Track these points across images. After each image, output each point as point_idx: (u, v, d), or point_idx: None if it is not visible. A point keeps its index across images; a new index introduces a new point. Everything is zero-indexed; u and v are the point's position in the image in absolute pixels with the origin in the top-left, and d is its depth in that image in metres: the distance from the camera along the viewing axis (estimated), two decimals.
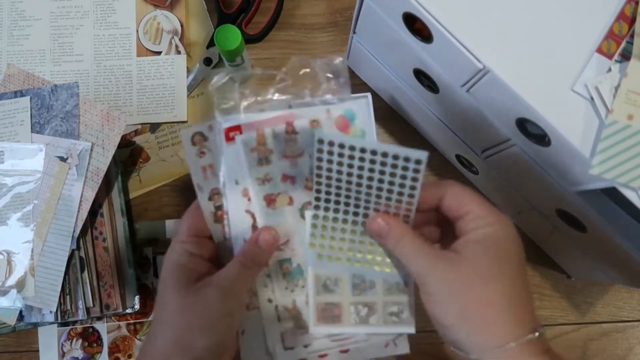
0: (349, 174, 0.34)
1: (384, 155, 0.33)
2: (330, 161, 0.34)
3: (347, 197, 0.36)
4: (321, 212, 0.37)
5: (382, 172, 0.34)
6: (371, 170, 0.34)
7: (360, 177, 0.34)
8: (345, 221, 0.37)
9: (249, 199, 0.37)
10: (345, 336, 0.38)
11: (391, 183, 0.34)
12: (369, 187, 0.35)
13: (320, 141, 0.33)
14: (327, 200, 0.36)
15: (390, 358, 0.40)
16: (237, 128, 0.37)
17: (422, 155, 0.32)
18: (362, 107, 0.38)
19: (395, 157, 0.33)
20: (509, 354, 0.31)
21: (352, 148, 0.33)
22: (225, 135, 0.37)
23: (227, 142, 0.37)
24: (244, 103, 0.37)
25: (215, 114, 0.37)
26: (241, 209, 0.37)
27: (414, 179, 0.33)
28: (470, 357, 0.32)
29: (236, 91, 0.37)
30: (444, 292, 0.33)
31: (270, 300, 0.37)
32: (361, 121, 0.38)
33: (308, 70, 0.38)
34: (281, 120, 0.37)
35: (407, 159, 0.33)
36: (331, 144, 0.33)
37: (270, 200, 0.37)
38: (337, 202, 0.36)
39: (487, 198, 0.57)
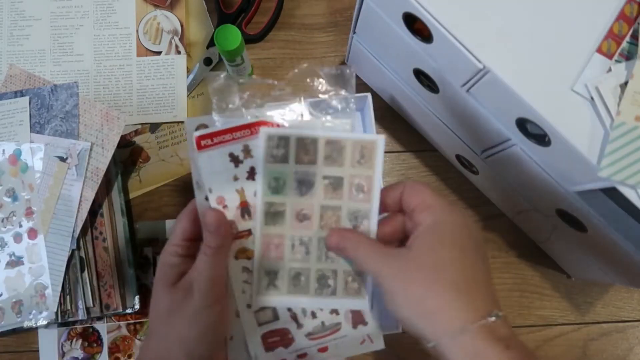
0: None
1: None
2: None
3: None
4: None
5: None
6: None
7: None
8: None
9: (224, 207, 0.37)
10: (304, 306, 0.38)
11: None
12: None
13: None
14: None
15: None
16: (209, 136, 0.36)
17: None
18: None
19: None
20: (462, 339, 0.30)
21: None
22: (197, 144, 0.36)
23: (199, 150, 0.36)
24: (240, 105, 0.37)
25: (213, 114, 0.37)
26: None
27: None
28: (428, 345, 0.32)
29: (235, 94, 0.37)
30: (395, 287, 0.33)
31: (249, 306, 0.38)
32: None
33: (315, 79, 0.38)
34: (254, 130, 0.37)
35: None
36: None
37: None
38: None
39: (486, 197, 0.57)
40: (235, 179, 0.37)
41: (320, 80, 0.37)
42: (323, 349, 0.39)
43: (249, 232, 0.37)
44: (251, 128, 0.36)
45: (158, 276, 0.36)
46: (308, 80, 0.38)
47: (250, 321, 0.38)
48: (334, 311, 0.38)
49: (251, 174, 0.37)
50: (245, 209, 0.37)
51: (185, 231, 0.37)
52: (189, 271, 0.36)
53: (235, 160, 0.37)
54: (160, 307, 0.36)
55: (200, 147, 0.36)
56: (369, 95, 0.51)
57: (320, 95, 0.37)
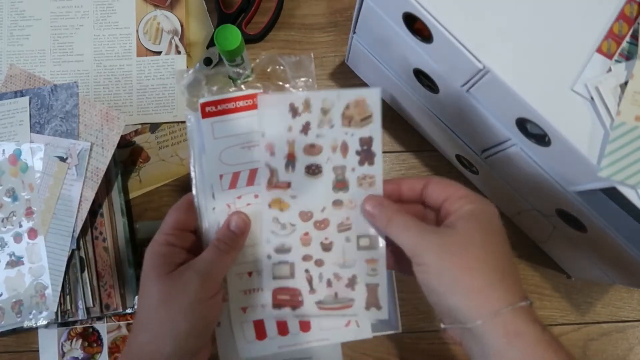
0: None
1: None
2: None
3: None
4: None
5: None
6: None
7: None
8: None
9: (272, 154, 0.38)
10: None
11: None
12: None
13: None
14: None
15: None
16: (213, 103, 0.37)
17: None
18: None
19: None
20: (503, 319, 0.31)
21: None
22: (201, 110, 0.37)
23: (204, 118, 0.37)
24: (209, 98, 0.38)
25: (187, 111, 0.38)
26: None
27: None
28: (466, 325, 0.32)
29: (204, 89, 0.38)
30: (436, 261, 0.33)
31: (269, 257, 0.38)
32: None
33: (277, 67, 0.39)
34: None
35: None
36: None
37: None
38: None
39: (485, 197, 0.57)
40: (290, 129, 0.37)
41: (281, 67, 0.39)
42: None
43: (288, 185, 0.38)
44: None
45: (148, 266, 0.36)
46: (269, 69, 0.39)
47: (267, 272, 0.38)
48: (350, 284, 0.38)
49: (305, 129, 0.38)
50: (290, 162, 0.38)
51: (179, 221, 0.37)
52: (190, 261, 0.35)
53: (294, 111, 0.37)
54: (151, 297, 0.35)
55: (204, 114, 0.37)
56: (379, 88, 0.52)
57: (281, 83, 0.39)
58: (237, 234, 0.36)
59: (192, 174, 0.38)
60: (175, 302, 0.34)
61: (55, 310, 0.52)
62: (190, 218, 0.37)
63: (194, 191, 0.38)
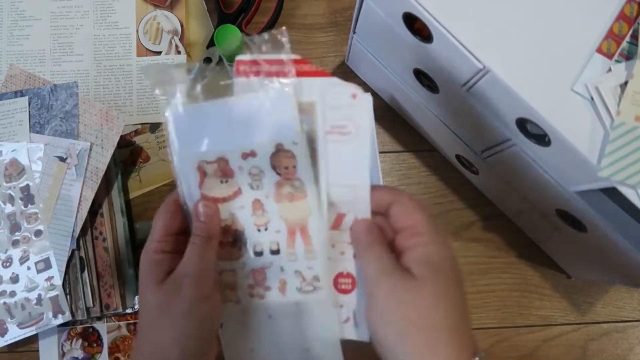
0: None
1: None
2: None
3: None
4: None
5: None
6: None
7: None
8: None
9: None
10: None
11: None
12: None
13: None
14: None
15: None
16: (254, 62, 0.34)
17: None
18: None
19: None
20: None
21: None
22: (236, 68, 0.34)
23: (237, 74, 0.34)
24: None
25: (168, 111, 0.35)
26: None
27: None
28: None
29: (177, 84, 0.35)
30: (389, 307, 0.32)
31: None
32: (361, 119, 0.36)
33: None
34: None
35: None
36: None
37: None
38: None
39: (486, 197, 0.57)
40: None
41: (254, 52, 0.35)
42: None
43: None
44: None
45: (144, 274, 0.35)
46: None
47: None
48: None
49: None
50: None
51: (167, 226, 0.36)
52: (178, 265, 0.35)
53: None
54: (150, 306, 0.34)
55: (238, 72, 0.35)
56: (369, 94, 0.51)
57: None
58: (207, 222, 0.35)
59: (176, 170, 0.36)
60: (174, 308, 0.34)
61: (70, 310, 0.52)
62: (178, 220, 0.36)
63: (179, 189, 0.36)
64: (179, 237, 0.36)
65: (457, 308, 0.33)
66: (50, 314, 0.52)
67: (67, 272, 0.52)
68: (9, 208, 0.53)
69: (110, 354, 0.56)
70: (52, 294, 0.52)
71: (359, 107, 0.35)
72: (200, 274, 0.34)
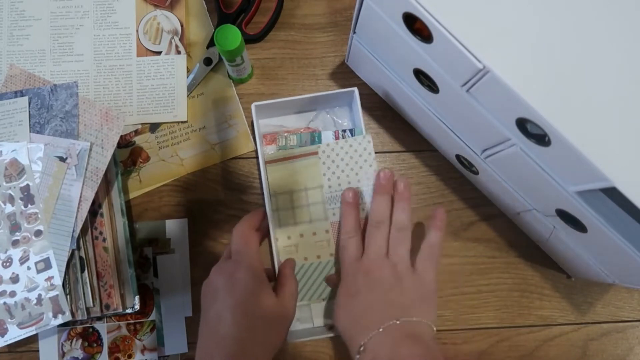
0: None
1: None
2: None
3: None
4: None
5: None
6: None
7: None
8: None
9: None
10: None
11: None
12: None
13: None
14: None
15: None
16: None
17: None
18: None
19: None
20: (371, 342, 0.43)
21: None
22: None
23: None
24: None
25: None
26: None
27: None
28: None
29: None
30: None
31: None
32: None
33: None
34: None
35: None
36: None
37: None
38: None
39: (486, 197, 0.57)
40: None
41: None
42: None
43: None
44: None
45: (257, 286, 0.45)
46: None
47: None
48: None
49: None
50: None
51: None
52: (286, 286, 0.48)
53: None
54: (267, 313, 0.45)
55: None
56: (355, 90, 0.54)
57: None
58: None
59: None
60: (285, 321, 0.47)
61: (70, 310, 0.52)
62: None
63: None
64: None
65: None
66: (50, 314, 0.52)
67: (67, 272, 0.52)
68: (9, 208, 0.53)
69: (110, 354, 0.56)
70: (52, 294, 0.52)
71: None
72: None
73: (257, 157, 0.58)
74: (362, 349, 0.42)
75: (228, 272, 0.45)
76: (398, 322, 0.43)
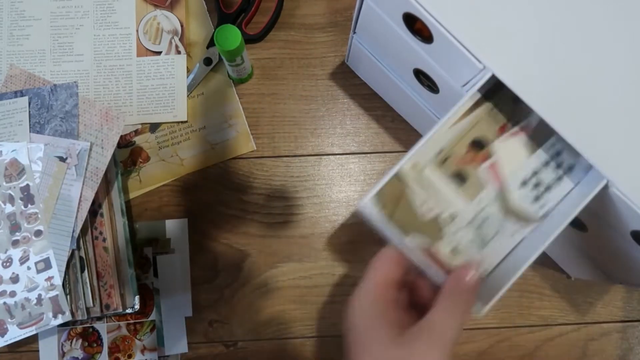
0: None
1: None
2: None
3: None
4: None
5: None
6: None
7: None
8: None
9: None
10: None
11: None
12: None
13: None
14: None
15: None
16: None
17: None
18: None
19: None
20: None
21: None
22: None
23: None
24: None
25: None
26: None
27: None
28: None
29: None
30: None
31: None
32: None
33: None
34: None
35: None
36: None
37: None
38: None
39: None
40: None
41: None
42: None
43: None
44: None
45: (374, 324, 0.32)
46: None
47: None
48: None
49: None
50: None
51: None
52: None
53: None
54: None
55: None
56: None
57: None
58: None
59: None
60: None
61: (70, 311, 0.52)
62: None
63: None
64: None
65: None
66: (50, 314, 0.52)
67: (67, 272, 0.52)
68: (9, 208, 0.53)
69: (110, 354, 0.56)
70: (52, 294, 0.52)
71: None
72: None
73: None
74: None
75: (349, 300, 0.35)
76: None
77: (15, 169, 0.54)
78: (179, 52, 0.60)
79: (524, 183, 0.36)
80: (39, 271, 0.52)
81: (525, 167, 0.37)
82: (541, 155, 0.37)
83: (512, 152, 0.37)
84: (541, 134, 0.37)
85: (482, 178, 0.36)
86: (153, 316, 0.56)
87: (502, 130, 0.37)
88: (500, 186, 0.36)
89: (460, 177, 0.36)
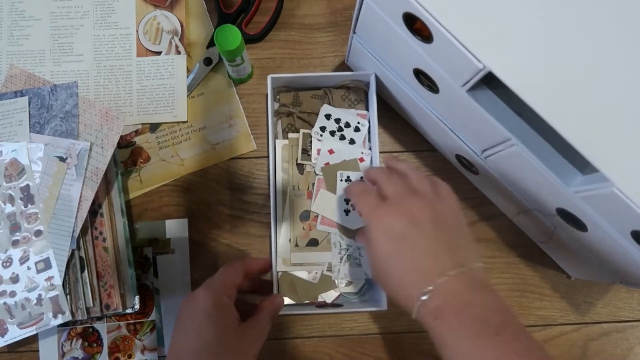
0: None
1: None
2: None
3: None
4: None
5: None
6: None
7: None
8: None
9: None
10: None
11: None
12: None
13: None
14: None
15: None
16: None
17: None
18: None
19: None
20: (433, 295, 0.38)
21: None
22: None
23: None
24: None
25: None
26: None
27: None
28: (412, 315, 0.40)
29: None
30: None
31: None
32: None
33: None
34: None
35: None
36: None
37: None
38: None
39: (486, 197, 0.57)
40: None
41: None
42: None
43: None
44: None
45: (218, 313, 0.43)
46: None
47: None
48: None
49: None
50: None
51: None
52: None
53: None
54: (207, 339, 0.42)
55: None
56: (373, 74, 0.54)
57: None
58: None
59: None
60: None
61: (70, 311, 0.52)
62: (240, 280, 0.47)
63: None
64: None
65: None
66: (50, 314, 0.52)
67: (67, 272, 0.52)
68: (9, 208, 0.53)
69: (110, 354, 0.56)
70: (52, 294, 0.52)
71: None
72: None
73: (267, 139, 0.58)
74: (428, 294, 0.38)
75: (191, 293, 0.45)
76: (464, 269, 0.39)
77: (15, 169, 0.54)
78: (179, 52, 0.60)
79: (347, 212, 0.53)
80: (39, 271, 0.52)
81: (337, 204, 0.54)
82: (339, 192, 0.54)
83: (323, 203, 0.53)
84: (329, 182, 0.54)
85: (323, 231, 0.53)
86: (153, 316, 0.56)
87: (310, 195, 0.54)
88: (336, 226, 0.53)
89: (312, 243, 0.53)
